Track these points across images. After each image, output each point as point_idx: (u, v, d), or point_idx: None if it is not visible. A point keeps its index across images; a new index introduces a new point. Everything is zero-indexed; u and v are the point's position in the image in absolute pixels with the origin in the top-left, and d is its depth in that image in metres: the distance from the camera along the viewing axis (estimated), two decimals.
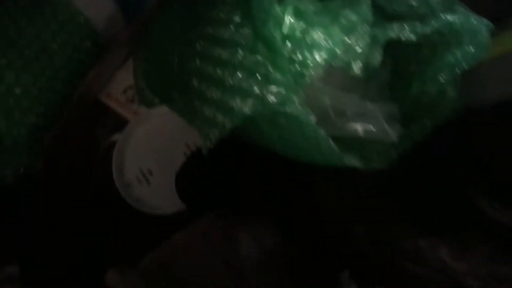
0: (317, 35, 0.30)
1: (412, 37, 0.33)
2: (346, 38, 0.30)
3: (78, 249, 0.48)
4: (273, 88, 0.31)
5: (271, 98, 0.31)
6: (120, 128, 0.63)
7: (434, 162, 0.33)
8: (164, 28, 0.51)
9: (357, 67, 0.31)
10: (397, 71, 0.37)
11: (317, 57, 0.30)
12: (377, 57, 0.31)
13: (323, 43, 0.30)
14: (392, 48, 0.36)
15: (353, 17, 0.30)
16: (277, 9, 0.32)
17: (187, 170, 0.49)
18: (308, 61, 0.31)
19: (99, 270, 0.43)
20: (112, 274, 0.41)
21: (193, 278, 0.42)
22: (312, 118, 0.30)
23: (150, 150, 0.55)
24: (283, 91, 0.31)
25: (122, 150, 0.55)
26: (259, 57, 0.32)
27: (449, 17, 0.35)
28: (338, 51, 0.30)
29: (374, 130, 0.31)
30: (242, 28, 0.34)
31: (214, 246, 0.45)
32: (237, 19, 0.35)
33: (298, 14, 0.31)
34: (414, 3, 0.35)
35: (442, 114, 0.36)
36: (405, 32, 0.32)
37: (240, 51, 0.34)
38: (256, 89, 0.32)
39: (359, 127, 0.32)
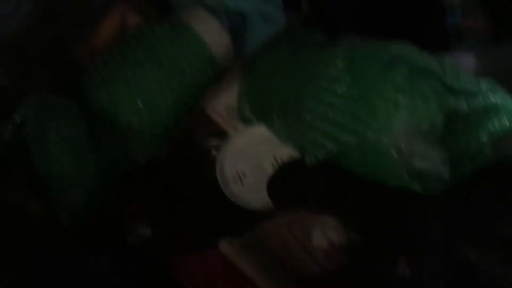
0: (404, 100, 0.47)
1: (466, 109, 0.49)
2: (424, 104, 0.47)
3: (191, 221, 0.65)
4: (373, 132, 0.49)
5: (372, 139, 0.49)
6: (219, 136, 0.80)
7: (471, 197, 0.49)
8: (271, 64, 0.68)
9: (425, 124, 0.48)
10: (448, 127, 0.53)
11: (403, 114, 0.47)
12: (440, 119, 0.48)
13: (409, 108, 0.47)
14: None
15: (429, 91, 0.47)
16: (380, 82, 0.49)
17: (277, 178, 0.65)
18: (396, 117, 0.48)
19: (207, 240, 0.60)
20: (224, 242, 0.58)
21: (280, 253, 0.58)
22: (395, 154, 0.47)
23: (245, 157, 0.72)
24: (379, 134, 0.48)
25: (223, 154, 0.72)
26: (364, 109, 0.50)
27: (492, 97, 0.51)
28: (417, 113, 0.47)
29: (433, 168, 0.47)
30: (353, 87, 0.52)
31: (295, 234, 0.61)
32: (348, 80, 0.52)
33: (396, 88, 0.48)
34: (468, 84, 0.51)
35: (480, 165, 0.52)
36: (462, 105, 0.49)
37: (351, 103, 0.51)
38: (361, 131, 0.50)
39: (422, 164, 0.48)
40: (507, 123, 0.51)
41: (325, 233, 0.61)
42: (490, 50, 0.77)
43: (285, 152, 0.71)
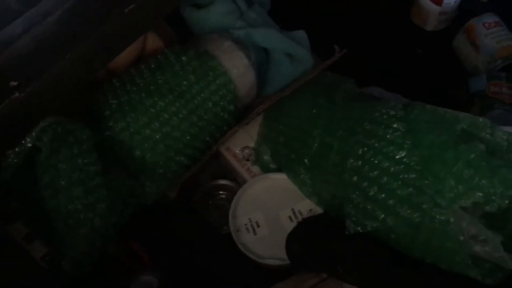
0: (482, 182, 0.43)
1: None
2: (502, 189, 0.42)
3: (199, 274, 0.58)
4: (438, 209, 0.44)
5: (437, 217, 0.44)
6: (229, 177, 0.75)
7: None
8: (304, 113, 0.63)
9: (493, 208, 0.43)
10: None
11: (476, 196, 0.43)
12: (506, 203, 0.44)
13: (485, 189, 0.42)
14: None
15: (509, 175, 0.42)
16: (450, 153, 0.44)
17: (299, 234, 0.60)
18: (466, 197, 0.43)
19: None
20: None
21: None
22: (461, 238, 0.42)
23: (260, 206, 0.66)
24: (444, 212, 0.43)
25: (238, 199, 0.67)
26: (427, 181, 0.45)
27: None
28: (493, 197, 0.42)
29: (495, 254, 0.43)
30: (413, 154, 0.47)
31: None
32: (408, 145, 0.47)
33: (469, 164, 0.43)
34: None
35: None
36: None
37: (411, 172, 0.46)
38: (425, 206, 0.45)
39: (484, 250, 0.43)
40: None
41: None
42: None
43: (305, 205, 0.66)
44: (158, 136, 0.60)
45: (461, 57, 0.94)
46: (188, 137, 0.63)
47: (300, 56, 0.77)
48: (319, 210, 0.65)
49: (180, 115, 0.63)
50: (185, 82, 0.64)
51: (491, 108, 0.80)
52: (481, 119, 0.48)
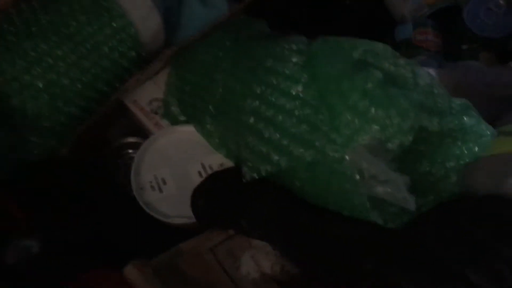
0: (377, 113, 0.38)
1: (437, 128, 0.41)
2: (398, 120, 0.38)
3: (91, 235, 0.52)
4: (333, 146, 0.39)
5: (331, 154, 0.39)
6: (140, 133, 0.68)
7: (432, 231, 0.41)
8: (209, 56, 0.57)
9: (394, 144, 0.39)
10: (410, 148, 0.45)
11: (372, 129, 0.38)
12: (409, 139, 0.39)
13: (381, 120, 0.38)
14: None
15: (407, 105, 0.38)
16: (346, 84, 0.39)
17: (204, 190, 0.54)
18: (363, 131, 0.38)
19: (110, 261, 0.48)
20: (130, 267, 0.46)
21: (198, 279, 0.47)
22: (357, 176, 0.38)
23: (167, 162, 0.61)
24: (339, 149, 0.38)
25: (141, 154, 0.60)
26: (322, 117, 0.40)
27: (465, 119, 0.44)
28: (390, 129, 0.38)
29: (398, 196, 0.39)
30: (310, 88, 0.42)
31: (220, 259, 0.51)
32: (305, 79, 0.42)
33: (364, 94, 0.39)
34: (441, 102, 0.43)
35: (444, 194, 0.44)
36: (433, 124, 0.40)
37: (307, 108, 0.41)
38: (317, 143, 0.40)
39: (385, 191, 0.39)
40: (476, 148, 0.44)
41: (256, 260, 0.51)
42: (444, 66, 0.71)
43: (215, 159, 0.61)
44: (40, 84, 0.53)
45: (389, 6, 0.90)
46: (79, 86, 0.56)
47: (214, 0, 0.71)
48: (230, 163, 0.60)
49: (68, 60, 0.55)
50: (74, 23, 0.56)
51: (417, 55, 0.77)
52: (381, 45, 0.43)
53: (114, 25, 0.59)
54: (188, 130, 0.62)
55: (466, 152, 0.44)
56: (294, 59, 0.44)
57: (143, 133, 0.68)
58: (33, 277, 0.47)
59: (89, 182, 0.57)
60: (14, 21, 0.53)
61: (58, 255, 0.48)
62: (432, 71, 0.60)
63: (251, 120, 0.45)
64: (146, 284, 0.44)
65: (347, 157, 0.38)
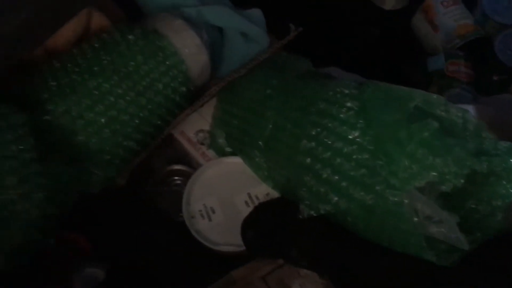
0: (435, 161, 0.41)
1: (485, 170, 0.44)
2: (456, 168, 0.41)
3: (150, 264, 0.55)
4: (392, 190, 0.42)
5: (390, 198, 0.42)
6: (184, 162, 0.72)
7: (482, 269, 0.44)
8: (257, 94, 0.60)
9: (448, 187, 0.42)
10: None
11: (430, 176, 0.41)
12: (461, 182, 0.42)
13: (439, 168, 0.41)
14: None
15: (463, 153, 0.41)
16: (403, 132, 0.42)
17: (254, 220, 0.57)
18: (421, 177, 0.41)
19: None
20: None
21: None
22: (415, 217, 0.41)
23: (215, 191, 0.64)
24: (398, 194, 0.41)
25: (192, 185, 0.64)
26: (380, 162, 0.43)
27: (509, 159, 0.47)
28: (447, 176, 0.41)
29: (451, 236, 0.41)
30: (366, 134, 0.45)
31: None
32: (361, 124, 0.45)
33: (422, 143, 0.42)
34: (488, 145, 0.46)
35: (490, 231, 0.47)
36: (483, 166, 0.43)
37: (365, 152, 0.44)
38: (378, 187, 0.43)
39: (439, 231, 0.42)
40: None
41: None
42: (478, 99, 0.73)
43: (262, 189, 0.64)
44: (103, 120, 0.57)
45: (420, 36, 0.94)
46: (136, 121, 0.60)
47: (255, 35, 0.74)
48: (276, 194, 0.63)
49: (128, 98, 0.59)
50: (132, 63, 0.60)
51: (449, 87, 0.80)
52: (435, 96, 0.46)
53: (168, 63, 0.63)
54: (234, 162, 0.65)
55: (511, 191, 0.47)
56: (348, 104, 0.47)
57: (187, 163, 0.72)
58: None
59: (144, 211, 0.60)
60: (78, 62, 0.57)
61: (122, 282, 0.51)
62: (470, 108, 0.63)
63: (308, 160, 0.48)
64: None
65: (406, 201, 0.41)
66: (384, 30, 0.92)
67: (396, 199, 0.42)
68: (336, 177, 0.45)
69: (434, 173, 0.40)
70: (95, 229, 0.55)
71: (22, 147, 0.47)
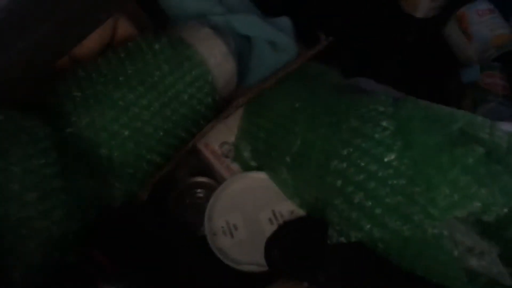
0: (480, 191, 0.38)
1: None
2: (503, 200, 0.37)
3: (171, 282, 0.53)
4: (431, 221, 0.39)
5: (430, 230, 0.39)
6: (208, 174, 0.70)
7: None
8: (285, 106, 0.58)
9: (491, 217, 0.39)
10: None
11: (474, 206, 0.38)
12: (504, 211, 0.39)
13: (483, 198, 0.38)
14: None
15: (508, 180, 0.38)
16: (445, 157, 0.39)
17: (279, 239, 0.55)
18: (462, 207, 0.38)
19: None
20: None
21: None
22: (455, 251, 0.38)
23: (238, 207, 0.62)
24: (438, 225, 0.39)
25: (214, 201, 0.62)
26: (418, 189, 0.40)
27: None
28: (493, 208, 0.38)
29: (493, 270, 0.38)
30: (404, 157, 0.42)
31: None
32: (398, 146, 0.42)
33: (466, 170, 0.39)
34: None
35: None
36: None
37: (402, 178, 0.41)
38: (416, 217, 0.40)
39: (480, 264, 0.39)
40: None
41: None
42: None
43: (286, 206, 0.61)
44: (127, 133, 0.55)
45: (453, 46, 0.90)
46: (161, 133, 0.58)
47: (284, 44, 0.72)
48: (301, 212, 0.60)
49: (152, 109, 0.57)
50: (157, 73, 0.58)
51: (484, 100, 0.76)
52: (480, 118, 0.43)
53: (194, 73, 0.61)
54: (259, 177, 0.63)
55: None
56: (384, 123, 0.44)
57: (211, 175, 0.70)
58: None
59: (166, 227, 0.59)
60: (103, 72, 0.56)
61: None
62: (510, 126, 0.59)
63: (339, 182, 0.45)
64: None
65: (445, 233, 0.38)
66: (415, 39, 0.89)
67: (435, 231, 0.39)
68: (370, 203, 0.43)
69: (478, 204, 0.37)
70: (115, 245, 0.54)
71: (44, 161, 0.46)
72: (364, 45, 0.81)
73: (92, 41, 0.60)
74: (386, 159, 0.43)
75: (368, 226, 0.43)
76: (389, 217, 0.42)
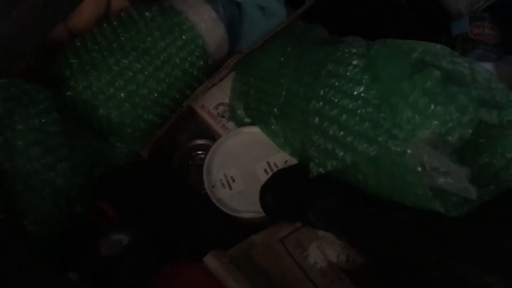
0: (437, 110, 0.41)
1: (496, 122, 0.43)
2: (458, 115, 0.40)
3: (173, 230, 0.57)
4: (395, 141, 0.42)
5: (393, 148, 0.42)
6: (207, 136, 0.74)
7: (496, 220, 0.43)
8: (272, 63, 0.61)
9: (454, 137, 0.41)
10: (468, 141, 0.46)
11: (433, 125, 0.41)
12: (468, 132, 0.42)
13: (441, 116, 0.41)
14: None
15: (466, 100, 0.41)
16: (406, 84, 0.42)
17: (271, 186, 0.59)
18: (423, 126, 0.41)
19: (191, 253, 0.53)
20: (210, 257, 0.51)
21: (271, 268, 0.51)
22: (419, 168, 0.41)
23: (235, 161, 0.65)
24: (401, 144, 0.42)
25: (212, 156, 0.66)
26: (384, 115, 0.43)
27: None
28: (450, 124, 0.41)
29: (459, 186, 0.41)
30: (371, 89, 0.45)
31: (289, 250, 0.55)
32: (366, 80, 0.45)
33: (424, 93, 0.42)
34: (499, 96, 0.45)
35: (505, 184, 0.46)
36: (492, 117, 0.43)
37: (369, 107, 0.45)
38: (380, 139, 0.43)
39: (447, 182, 0.42)
40: None
41: (322, 250, 0.55)
42: (503, 59, 0.71)
43: (280, 157, 0.65)
44: (123, 95, 0.59)
45: (444, 2, 0.91)
46: (155, 95, 0.62)
47: (273, 8, 0.75)
48: (294, 161, 0.64)
49: (146, 72, 0.61)
50: (149, 39, 0.62)
51: (474, 50, 0.78)
52: (438, 46, 0.45)
53: (184, 37, 0.64)
54: (253, 131, 0.67)
55: None
56: (355, 62, 0.47)
57: (210, 136, 0.74)
58: (124, 266, 0.53)
59: (168, 183, 0.63)
60: (98, 40, 0.60)
61: (145, 247, 0.54)
62: (489, 65, 0.61)
63: (316, 120, 0.48)
64: (225, 271, 0.49)
65: (409, 151, 0.41)
66: None
67: (398, 149, 0.42)
68: (342, 133, 0.46)
69: (436, 122, 0.40)
70: (121, 197, 0.58)
71: (44, 120, 0.50)
72: (352, 3, 0.83)
73: (88, 14, 0.64)
74: (355, 92, 0.46)
75: (341, 154, 0.46)
76: (358, 142, 0.45)
